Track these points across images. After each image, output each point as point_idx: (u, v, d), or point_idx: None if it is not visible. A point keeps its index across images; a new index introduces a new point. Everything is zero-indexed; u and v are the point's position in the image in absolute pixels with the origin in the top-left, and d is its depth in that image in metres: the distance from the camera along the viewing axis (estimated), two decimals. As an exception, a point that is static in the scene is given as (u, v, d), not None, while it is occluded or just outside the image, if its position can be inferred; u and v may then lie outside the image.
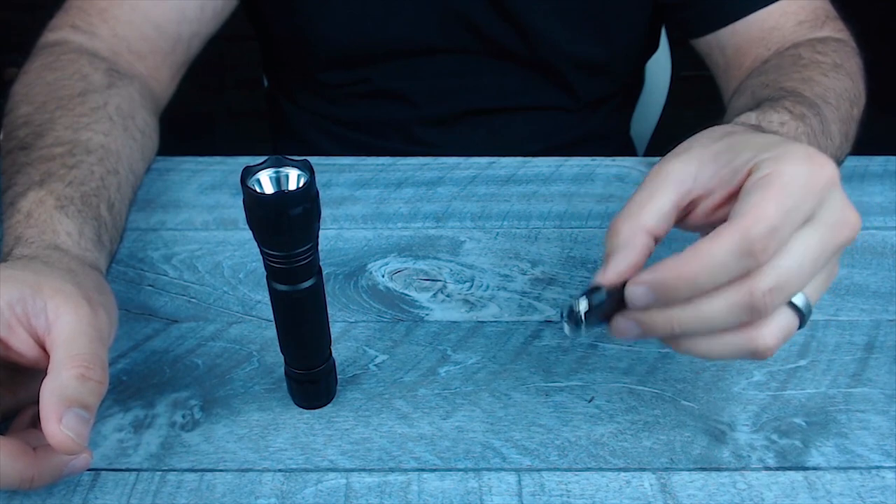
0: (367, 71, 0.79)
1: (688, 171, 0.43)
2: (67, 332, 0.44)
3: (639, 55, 0.86)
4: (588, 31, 0.76)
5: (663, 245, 0.63)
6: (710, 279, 0.39)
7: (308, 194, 0.41)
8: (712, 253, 0.39)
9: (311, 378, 0.50)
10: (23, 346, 0.45)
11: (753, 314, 0.40)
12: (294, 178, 0.42)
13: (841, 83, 0.63)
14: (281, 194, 0.42)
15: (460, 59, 0.78)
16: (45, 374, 0.43)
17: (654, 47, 0.89)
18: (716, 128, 0.48)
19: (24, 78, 0.66)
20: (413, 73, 0.79)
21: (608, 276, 0.41)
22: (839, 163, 0.59)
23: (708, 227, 0.42)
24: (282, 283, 0.45)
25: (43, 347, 0.45)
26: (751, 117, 0.53)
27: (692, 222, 0.44)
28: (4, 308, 0.44)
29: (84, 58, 0.67)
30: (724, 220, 0.41)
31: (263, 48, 0.88)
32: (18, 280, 0.45)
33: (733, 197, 0.41)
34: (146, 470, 0.48)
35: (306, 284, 0.45)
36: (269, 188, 0.42)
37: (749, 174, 0.41)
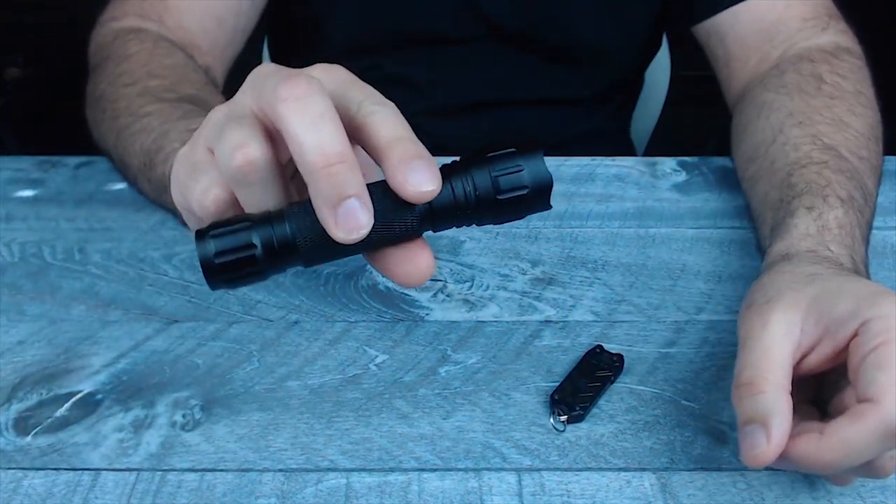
0: (380, 58, 0.80)
1: (794, 321, 0.44)
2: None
3: (646, 48, 0.85)
4: (601, 17, 0.76)
5: (663, 244, 0.63)
6: (849, 463, 0.41)
7: None
8: (853, 442, 0.40)
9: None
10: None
11: (880, 473, 0.42)
12: None
13: (867, 120, 0.62)
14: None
15: (472, 50, 0.78)
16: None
17: (657, 45, 0.89)
18: (794, 267, 0.49)
19: (131, 59, 0.64)
20: (424, 62, 0.79)
21: (774, 446, 0.41)
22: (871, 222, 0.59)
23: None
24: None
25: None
26: (811, 227, 0.53)
27: (799, 374, 0.44)
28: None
29: (180, 50, 0.66)
30: (828, 368, 0.44)
31: (273, 35, 0.88)
32: None
33: (840, 353, 0.43)
34: (146, 470, 0.48)
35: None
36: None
37: (856, 334, 0.42)
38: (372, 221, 0.35)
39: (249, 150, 0.36)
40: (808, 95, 0.64)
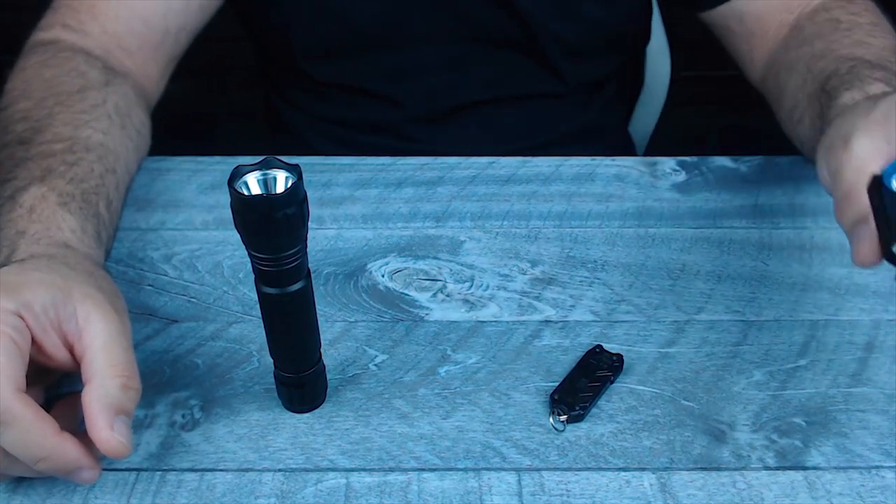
0: (352, 64, 0.79)
1: (877, 136, 0.45)
2: (102, 340, 0.45)
3: (623, 40, 0.84)
4: (565, 10, 0.76)
5: (663, 244, 0.63)
6: None
7: (294, 198, 0.41)
8: None
9: (298, 382, 0.50)
10: (54, 349, 0.46)
11: None
12: (282, 181, 0.42)
13: (888, 40, 0.65)
14: (265, 197, 0.41)
15: (445, 51, 0.77)
16: (74, 376, 0.45)
17: (645, 37, 0.88)
18: (859, 103, 0.51)
19: (20, 74, 0.66)
20: (398, 72, 0.78)
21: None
22: None
23: None
24: (270, 285, 0.45)
25: (70, 351, 0.46)
26: (857, 94, 0.56)
27: None
28: (40, 312, 0.45)
29: (79, 56, 0.67)
30: None
31: (256, 47, 0.88)
32: (49, 284, 0.46)
33: None
34: (146, 469, 0.48)
35: (294, 288, 0.45)
36: (256, 190, 0.42)
37: None
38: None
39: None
40: (825, 36, 0.66)
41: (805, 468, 0.48)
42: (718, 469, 0.48)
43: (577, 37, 0.78)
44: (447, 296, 0.59)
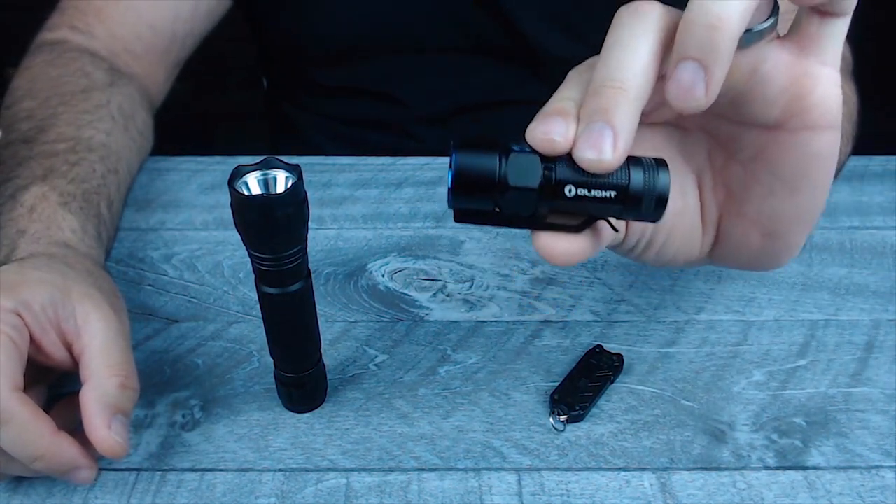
0: (358, 69, 0.79)
1: None
2: (100, 340, 0.45)
3: None
4: (564, 29, 0.76)
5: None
6: None
7: (294, 198, 0.41)
8: None
9: (298, 382, 0.50)
10: (52, 348, 0.46)
11: None
12: (282, 181, 0.42)
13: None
14: (265, 197, 0.42)
15: (448, 59, 0.78)
16: (70, 374, 0.45)
17: None
18: None
19: (25, 73, 0.66)
20: (403, 74, 0.79)
21: None
22: (844, 163, 0.58)
23: None
24: (270, 285, 0.45)
25: (69, 350, 0.46)
26: None
27: None
28: (39, 311, 0.45)
29: (85, 56, 0.67)
30: None
31: (260, 47, 0.88)
32: (48, 283, 0.46)
33: None
34: (146, 469, 0.48)
35: (294, 288, 0.45)
36: (256, 190, 0.42)
37: None
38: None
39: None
40: None
41: (805, 468, 0.48)
42: (718, 469, 0.48)
43: (581, 57, 0.78)
44: (447, 296, 0.59)
